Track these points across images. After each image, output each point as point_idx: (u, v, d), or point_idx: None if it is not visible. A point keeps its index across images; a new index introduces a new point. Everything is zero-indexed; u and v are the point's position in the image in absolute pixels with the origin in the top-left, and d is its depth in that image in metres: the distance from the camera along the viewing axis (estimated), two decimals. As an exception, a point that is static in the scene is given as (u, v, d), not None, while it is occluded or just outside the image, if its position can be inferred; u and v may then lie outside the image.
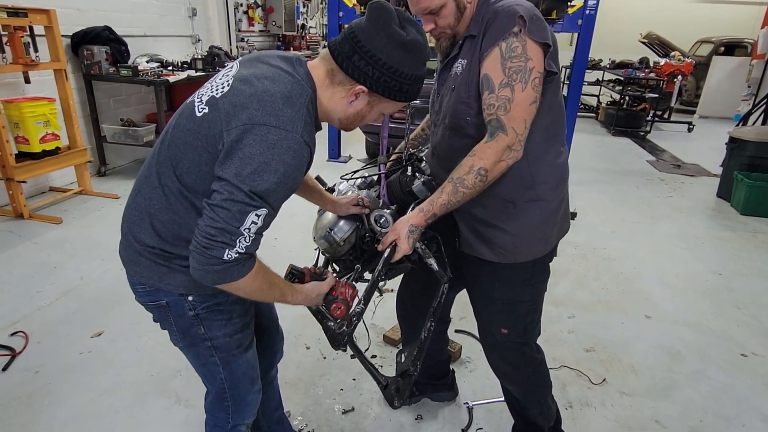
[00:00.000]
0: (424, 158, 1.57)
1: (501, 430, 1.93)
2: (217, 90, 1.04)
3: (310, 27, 9.21)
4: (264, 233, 1.03)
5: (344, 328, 1.30)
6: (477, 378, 2.22)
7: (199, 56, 4.98)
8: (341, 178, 1.59)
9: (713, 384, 2.24)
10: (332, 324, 1.31)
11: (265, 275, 1.08)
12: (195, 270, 1.00)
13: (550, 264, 1.50)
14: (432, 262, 1.38)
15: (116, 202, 4.05)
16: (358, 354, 1.47)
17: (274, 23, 7.61)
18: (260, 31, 7.54)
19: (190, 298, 1.16)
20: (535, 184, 1.33)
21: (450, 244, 1.49)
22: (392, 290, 1.57)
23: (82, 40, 4.19)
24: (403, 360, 1.52)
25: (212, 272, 0.98)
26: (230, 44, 6.77)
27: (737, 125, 5.53)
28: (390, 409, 2.02)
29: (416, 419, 1.98)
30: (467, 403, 2.05)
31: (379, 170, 1.55)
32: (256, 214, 0.96)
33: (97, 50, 4.18)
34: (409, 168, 1.56)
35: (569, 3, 4.64)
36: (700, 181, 5.50)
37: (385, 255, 1.30)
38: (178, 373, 2.16)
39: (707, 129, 8.31)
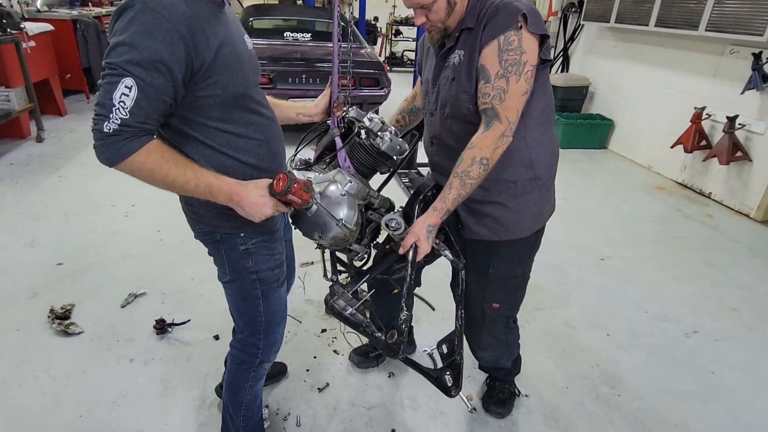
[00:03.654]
0: (357, 118, 1.50)
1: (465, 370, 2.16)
2: None
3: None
4: (147, 114, 1.03)
5: (396, 337, 1.32)
6: (425, 328, 2.40)
7: (-15, 17, 3.88)
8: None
9: (592, 287, 2.83)
10: (380, 334, 1.33)
11: (167, 154, 1.08)
12: (95, 150, 1.04)
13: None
14: (447, 253, 1.44)
15: None
16: (406, 360, 1.54)
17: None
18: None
19: (242, 234, 1.29)
20: (533, 165, 1.44)
21: (454, 231, 1.57)
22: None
23: None
24: (446, 351, 1.58)
25: (100, 147, 1.02)
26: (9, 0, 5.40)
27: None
28: (365, 375, 2.08)
29: (389, 377, 2.09)
30: (426, 350, 2.24)
31: (337, 146, 1.50)
32: (125, 86, 0.99)
33: None
34: (363, 132, 1.45)
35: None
36: (521, 123, 6.46)
37: (410, 258, 1.34)
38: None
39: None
